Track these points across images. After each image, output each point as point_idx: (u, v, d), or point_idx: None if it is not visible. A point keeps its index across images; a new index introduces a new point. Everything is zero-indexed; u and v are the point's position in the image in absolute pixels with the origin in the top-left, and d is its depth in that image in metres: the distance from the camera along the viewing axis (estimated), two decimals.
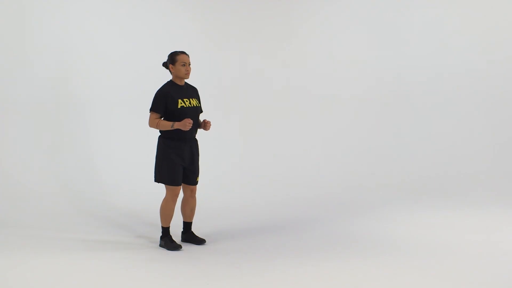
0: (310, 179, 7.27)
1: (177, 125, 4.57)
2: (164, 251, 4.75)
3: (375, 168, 7.47)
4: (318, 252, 4.71)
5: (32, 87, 6.68)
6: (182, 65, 4.75)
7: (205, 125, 4.81)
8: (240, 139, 7.46)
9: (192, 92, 4.89)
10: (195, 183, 4.91)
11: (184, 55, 4.79)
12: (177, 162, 4.70)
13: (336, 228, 5.54)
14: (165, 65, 4.84)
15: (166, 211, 4.79)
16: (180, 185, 4.78)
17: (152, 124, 4.71)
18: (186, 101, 4.74)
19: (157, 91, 4.75)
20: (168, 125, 4.61)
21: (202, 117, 5.13)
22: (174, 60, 4.76)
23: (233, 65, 7.55)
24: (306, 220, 5.86)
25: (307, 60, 7.78)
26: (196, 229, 5.09)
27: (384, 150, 7.63)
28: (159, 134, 4.80)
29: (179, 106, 4.68)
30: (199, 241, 4.91)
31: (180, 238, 4.99)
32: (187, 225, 5.02)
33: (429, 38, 7.76)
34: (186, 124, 4.55)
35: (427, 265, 4.34)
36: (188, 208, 4.96)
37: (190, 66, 4.83)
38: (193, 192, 4.93)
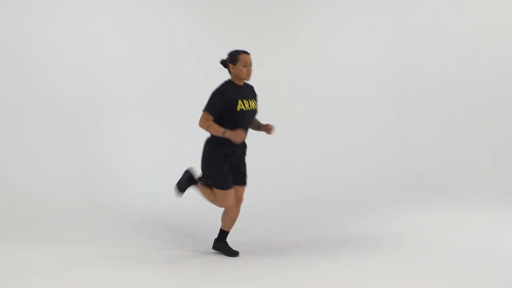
0: (310, 179, 7.27)
1: (228, 134, 4.26)
2: (164, 251, 4.75)
3: (374, 168, 7.48)
4: (318, 252, 4.71)
5: (31, 87, 6.68)
6: (243, 66, 4.44)
7: (269, 129, 4.58)
8: None
9: (251, 92, 4.58)
10: (244, 182, 4.63)
11: (247, 55, 4.47)
12: (226, 166, 4.44)
13: (336, 228, 5.54)
14: (223, 63, 4.56)
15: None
16: (232, 187, 4.47)
17: (203, 124, 4.38)
18: (246, 103, 4.43)
19: (215, 90, 4.44)
20: (219, 131, 4.29)
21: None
22: (236, 59, 4.46)
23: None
24: (306, 220, 5.86)
25: (307, 61, 7.77)
26: (196, 229, 5.09)
27: (383, 150, 7.63)
28: (208, 136, 4.53)
29: (238, 109, 4.37)
30: (233, 253, 4.59)
31: (212, 246, 4.73)
32: (223, 234, 4.68)
33: (429, 38, 7.76)
34: (238, 136, 4.25)
35: (427, 265, 4.34)
36: (230, 216, 4.62)
37: (252, 67, 4.49)
38: (239, 198, 4.61)
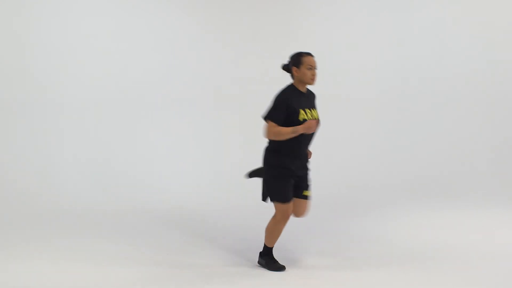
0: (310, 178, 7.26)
1: (301, 128, 3.94)
2: (164, 252, 4.74)
3: (375, 168, 7.47)
4: (318, 252, 4.71)
5: (30, 87, 6.68)
6: (308, 69, 4.15)
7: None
8: (240, 139, 7.45)
9: (313, 100, 4.33)
10: (305, 196, 4.28)
11: (311, 57, 4.20)
12: (288, 178, 4.12)
13: (336, 228, 5.54)
14: (286, 68, 4.25)
15: (275, 232, 4.21)
16: (291, 201, 4.17)
17: (270, 134, 4.04)
18: (308, 112, 4.14)
19: (278, 96, 4.12)
20: (289, 133, 3.97)
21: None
22: (300, 62, 4.16)
23: (234, 65, 7.54)
24: (306, 220, 5.84)
25: None
26: (197, 229, 5.07)
27: (383, 150, 7.62)
28: (267, 146, 4.20)
29: (300, 119, 4.06)
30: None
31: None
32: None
33: (429, 39, 7.75)
34: (310, 127, 3.97)
35: (427, 265, 4.34)
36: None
37: (316, 70, 4.22)
38: (301, 213, 4.30)
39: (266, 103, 7.63)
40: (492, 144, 7.52)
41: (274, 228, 4.20)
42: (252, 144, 7.62)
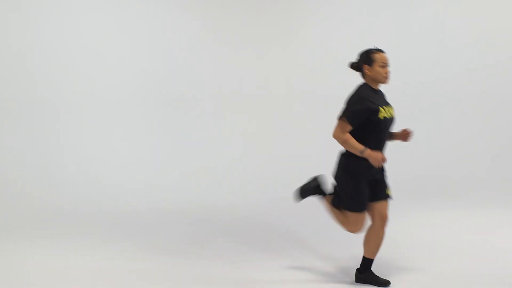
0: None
1: (367, 154, 3.69)
2: (164, 252, 4.74)
3: None
4: (318, 252, 4.71)
5: (30, 88, 6.68)
6: (381, 66, 3.87)
7: (406, 135, 4.02)
8: (240, 139, 7.45)
9: (385, 98, 4.05)
10: (386, 196, 3.95)
11: (384, 54, 3.92)
12: (363, 185, 3.84)
13: (336, 228, 5.53)
14: (355, 66, 4.03)
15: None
16: (365, 210, 3.88)
17: (339, 136, 3.77)
18: (387, 109, 3.88)
19: (354, 95, 3.87)
20: (357, 149, 3.71)
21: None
22: (372, 59, 3.89)
23: (234, 65, 7.54)
24: (306, 220, 5.85)
25: (307, 60, 7.77)
26: (197, 229, 5.06)
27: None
28: (343, 151, 3.92)
29: (381, 117, 3.80)
30: (383, 283, 3.90)
31: (355, 278, 4.03)
32: (367, 262, 3.97)
33: (429, 39, 7.75)
34: (378, 160, 3.71)
35: (427, 265, 4.34)
36: (374, 239, 3.92)
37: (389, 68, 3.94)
38: (383, 216, 3.90)
39: (266, 103, 7.70)
40: (492, 144, 7.52)
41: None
42: (253, 144, 7.64)
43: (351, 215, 3.88)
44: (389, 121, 3.89)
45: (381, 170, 3.95)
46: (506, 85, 7.63)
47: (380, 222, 3.90)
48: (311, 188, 4.13)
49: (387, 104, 3.93)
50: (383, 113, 3.81)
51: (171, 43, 7.27)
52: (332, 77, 7.78)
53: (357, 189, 3.82)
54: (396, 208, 6.29)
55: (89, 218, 5.85)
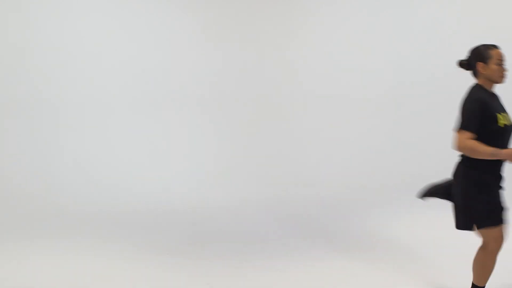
0: (310, 178, 7.28)
1: (504, 153, 3.19)
2: (164, 252, 4.74)
3: (374, 168, 7.47)
4: (318, 252, 4.71)
5: (30, 88, 6.69)
6: (497, 64, 3.40)
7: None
8: (240, 139, 7.46)
9: (501, 101, 3.57)
10: (504, 220, 3.44)
11: (499, 50, 3.44)
12: (493, 194, 3.38)
13: (336, 227, 5.54)
14: (465, 64, 3.51)
15: (488, 267, 3.44)
16: (502, 223, 3.40)
17: (465, 145, 3.25)
18: (505, 116, 3.38)
19: (468, 100, 3.36)
20: (488, 153, 3.22)
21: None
22: (487, 56, 3.39)
23: (234, 65, 7.55)
24: (306, 219, 5.86)
25: (307, 60, 7.78)
26: (197, 229, 5.06)
27: (384, 150, 7.63)
28: (461, 160, 3.45)
29: (501, 124, 3.31)
30: None
31: None
32: None
33: (429, 39, 7.75)
34: None
35: (427, 264, 4.34)
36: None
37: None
38: (501, 237, 3.42)
39: (265, 102, 7.71)
40: None
41: (488, 262, 3.44)
42: (253, 144, 7.65)
43: (487, 231, 3.39)
44: (510, 128, 3.39)
45: (502, 183, 3.48)
46: (506, 85, 7.61)
47: (503, 242, 3.47)
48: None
49: (504, 110, 3.45)
50: (502, 120, 3.34)
51: (171, 43, 7.28)
52: (332, 77, 7.80)
53: (488, 201, 3.37)
54: (396, 208, 6.31)
55: (89, 218, 5.85)
